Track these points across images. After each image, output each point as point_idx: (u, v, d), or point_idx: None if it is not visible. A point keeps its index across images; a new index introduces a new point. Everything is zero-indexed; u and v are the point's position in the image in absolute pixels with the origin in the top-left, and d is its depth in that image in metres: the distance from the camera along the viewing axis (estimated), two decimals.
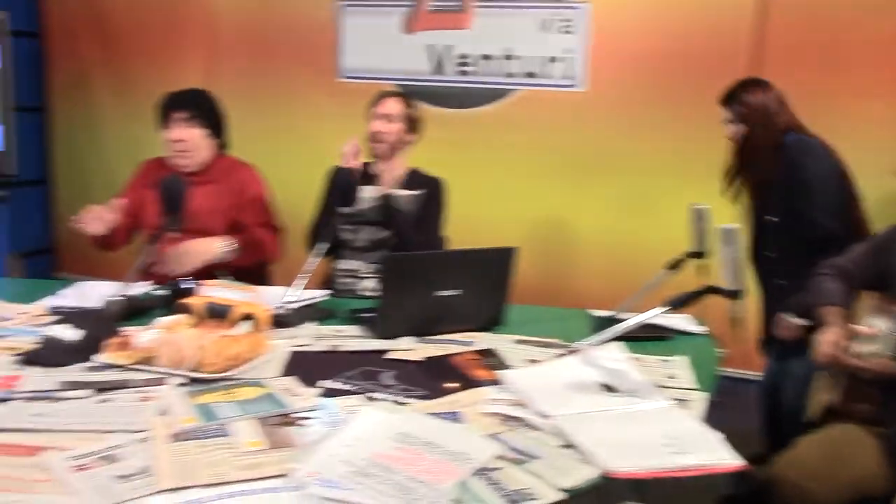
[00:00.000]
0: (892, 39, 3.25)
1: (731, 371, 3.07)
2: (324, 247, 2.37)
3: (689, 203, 2.31)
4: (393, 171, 2.84)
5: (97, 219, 2.53)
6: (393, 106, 2.81)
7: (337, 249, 2.81)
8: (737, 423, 2.31)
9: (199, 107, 2.74)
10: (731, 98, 2.67)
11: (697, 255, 2.29)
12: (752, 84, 2.68)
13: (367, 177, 2.78)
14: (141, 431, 1.45)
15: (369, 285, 2.76)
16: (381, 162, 2.81)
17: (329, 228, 2.44)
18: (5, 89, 4.20)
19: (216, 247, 2.59)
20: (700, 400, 1.74)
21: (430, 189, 2.85)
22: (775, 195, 2.59)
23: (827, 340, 1.99)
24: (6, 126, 4.22)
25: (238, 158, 2.88)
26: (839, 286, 2.13)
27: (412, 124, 2.86)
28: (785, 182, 2.55)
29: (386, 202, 2.68)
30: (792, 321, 2.42)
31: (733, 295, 1.76)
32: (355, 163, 2.67)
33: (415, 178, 2.87)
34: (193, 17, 4.36)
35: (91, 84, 4.66)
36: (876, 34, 3.27)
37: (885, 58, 3.27)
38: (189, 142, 2.69)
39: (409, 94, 3.91)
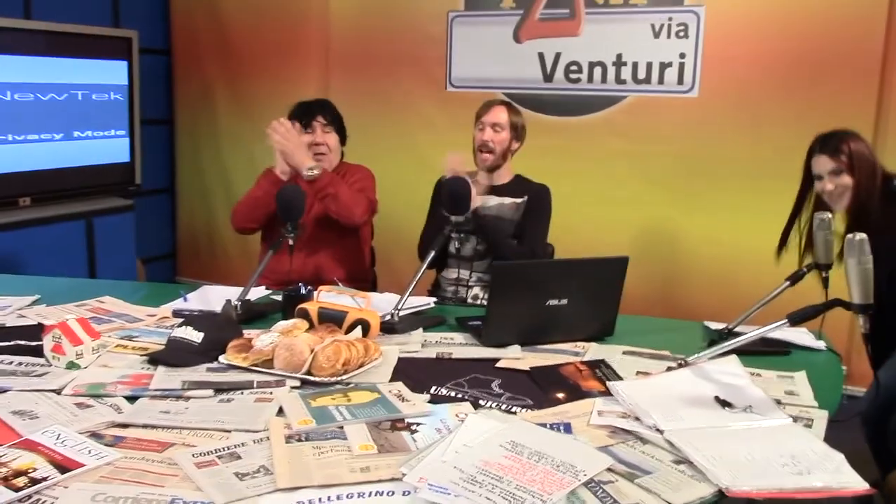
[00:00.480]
0: None
1: (852, 389, 2.90)
2: (433, 256, 2.40)
3: (811, 212, 2.20)
4: (500, 178, 2.85)
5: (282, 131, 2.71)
6: (500, 115, 2.82)
7: (444, 258, 2.84)
8: (859, 444, 2.21)
9: (333, 115, 2.94)
10: (836, 149, 2.42)
11: (821, 266, 2.18)
12: (850, 134, 2.47)
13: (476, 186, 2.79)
14: (260, 431, 1.51)
15: (475, 293, 2.78)
16: (488, 170, 2.82)
17: (439, 238, 2.46)
18: (134, 104, 4.46)
19: (307, 162, 2.71)
20: (821, 418, 1.65)
21: (533, 196, 2.83)
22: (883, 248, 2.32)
23: None
24: (133, 139, 4.49)
25: (356, 164, 3.02)
26: None
27: (518, 132, 2.87)
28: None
29: (475, 215, 2.65)
30: None
31: (862, 310, 1.66)
32: (458, 173, 2.68)
33: (519, 185, 2.87)
34: (310, 34, 4.52)
35: (213, 98, 4.90)
36: None
37: None
38: (327, 145, 2.88)
39: (518, 101, 4.00)
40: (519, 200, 2.81)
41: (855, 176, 2.37)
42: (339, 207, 2.73)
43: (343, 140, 2.97)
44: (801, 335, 2.20)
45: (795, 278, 2.23)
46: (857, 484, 1.38)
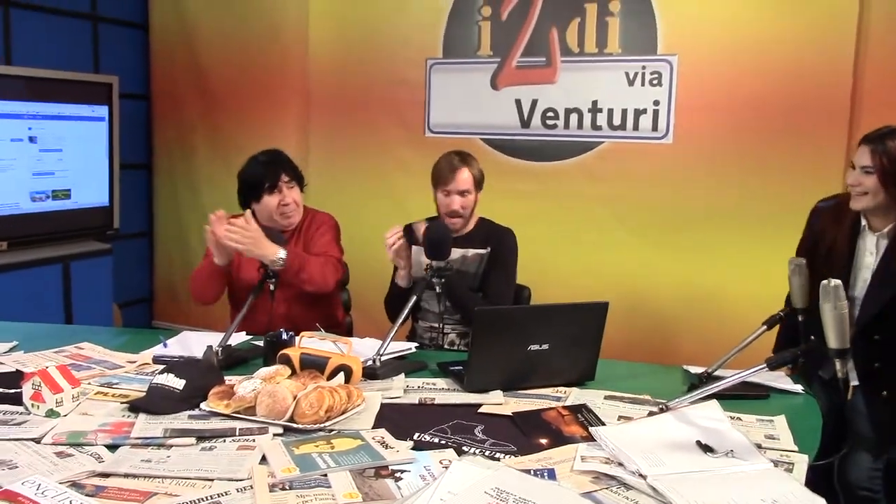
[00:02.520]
0: None
1: None
2: (414, 301, 2.41)
3: (787, 258, 2.25)
4: (464, 228, 2.82)
5: (236, 232, 2.56)
6: (465, 179, 2.74)
7: (416, 307, 2.82)
8: None
9: (293, 168, 2.86)
10: (882, 149, 2.20)
11: (796, 311, 2.22)
12: None
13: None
14: (243, 480, 1.50)
15: (451, 339, 2.78)
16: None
17: (420, 283, 2.48)
18: (113, 148, 4.47)
19: (271, 252, 2.55)
20: (801, 462, 1.68)
21: (495, 246, 2.79)
22: None
23: None
24: (112, 183, 4.48)
25: (317, 210, 2.98)
26: None
27: (480, 184, 2.83)
28: None
29: (433, 277, 2.49)
30: None
31: (838, 354, 1.70)
32: (398, 258, 2.68)
33: (483, 231, 2.84)
34: (289, 79, 4.57)
35: (192, 143, 4.92)
36: None
37: None
38: (295, 202, 2.82)
39: (496, 146, 4.06)
40: (483, 251, 2.77)
41: (886, 187, 2.19)
42: (311, 285, 2.68)
43: (302, 188, 2.90)
44: (778, 378, 2.23)
45: (772, 322, 2.27)
46: None
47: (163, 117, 5.06)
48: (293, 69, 4.56)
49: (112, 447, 1.64)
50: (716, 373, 2.18)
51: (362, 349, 2.31)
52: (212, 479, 1.50)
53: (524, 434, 1.80)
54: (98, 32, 4.71)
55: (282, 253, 2.56)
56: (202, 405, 1.86)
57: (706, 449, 1.68)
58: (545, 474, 1.57)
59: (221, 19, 4.72)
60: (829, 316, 1.68)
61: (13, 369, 2.14)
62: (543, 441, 1.76)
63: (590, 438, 1.76)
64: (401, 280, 2.73)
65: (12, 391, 1.91)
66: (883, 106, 3.30)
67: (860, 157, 2.25)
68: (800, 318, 2.20)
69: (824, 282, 1.68)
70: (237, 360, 2.29)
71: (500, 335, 2.10)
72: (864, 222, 2.31)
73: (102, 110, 4.40)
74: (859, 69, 3.36)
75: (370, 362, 2.18)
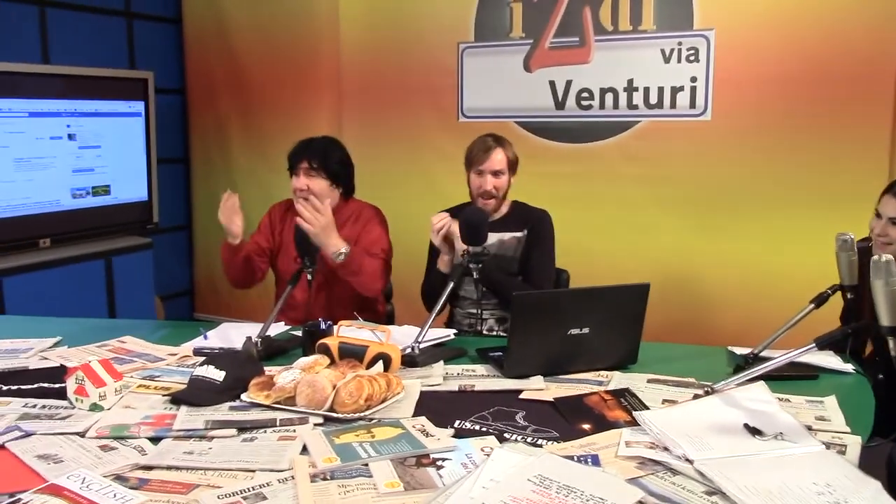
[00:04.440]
0: None
1: None
2: (451, 287, 2.39)
3: (834, 232, 2.18)
4: (498, 213, 2.81)
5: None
6: (499, 160, 2.74)
7: (455, 294, 2.82)
8: None
9: (324, 157, 2.80)
10: None
11: (846, 288, 2.15)
12: None
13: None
14: (284, 470, 1.49)
15: (490, 325, 2.76)
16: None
17: (457, 268, 2.46)
18: (151, 143, 4.52)
19: (335, 244, 2.57)
20: (854, 444, 1.62)
21: (532, 228, 2.78)
22: None
23: None
24: (150, 178, 4.53)
25: (364, 202, 2.95)
26: None
27: (514, 167, 2.81)
28: None
29: (469, 263, 2.43)
30: None
31: (891, 332, 1.63)
32: (444, 244, 2.65)
33: (519, 215, 2.83)
34: (321, 69, 4.57)
35: (228, 135, 4.95)
36: None
37: None
38: (311, 190, 2.75)
39: (530, 129, 4.02)
40: (519, 234, 2.77)
41: None
42: (362, 286, 2.70)
43: (342, 180, 2.85)
44: (828, 358, 2.16)
45: (820, 300, 2.21)
46: None
47: (198, 111, 5.10)
48: (325, 58, 4.56)
49: (155, 440, 1.65)
50: (762, 353, 2.12)
51: (401, 337, 2.30)
52: (253, 470, 1.50)
53: (566, 420, 1.77)
54: (133, 28, 4.75)
55: (345, 248, 2.57)
56: (242, 396, 1.87)
57: (754, 432, 1.64)
58: (589, 460, 1.54)
59: (253, 11, 4.74)
60: (881, 292, 1.62)
61: (57, 364, 2.17)
62: (586, 426, 1.73)
63: (634, 423, 1.73)
64: (443, 266, 2.71)
65: (56, 386, 1.94)
66: None
67: (888, 208, 2.26)
68: (848, 296, 2.13)
69: (874, 257, 1.62)
70: (276, 351, 2.29)
71: (539, 320, 2.07)
72: None
73: (139, 106, 4.45)
74: None
75: (409, 350, 2.17)
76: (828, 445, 1.60)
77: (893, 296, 1.62)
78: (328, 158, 2.81)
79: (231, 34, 4.84)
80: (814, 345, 1.80)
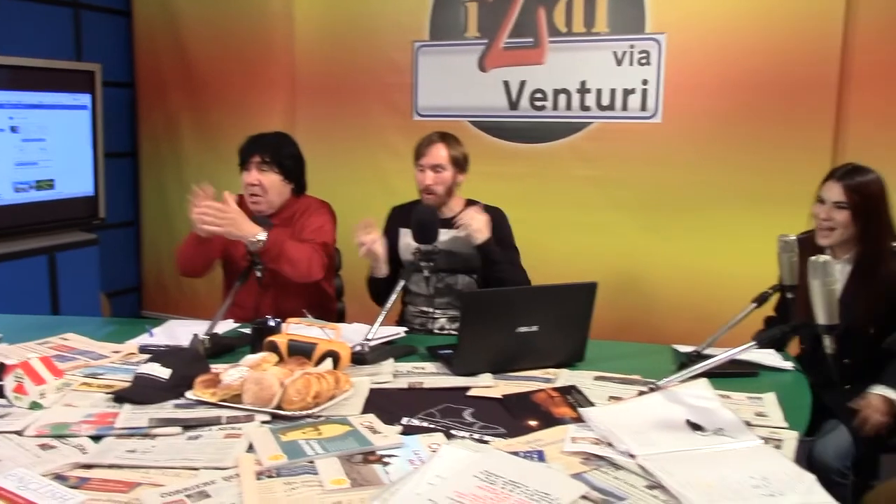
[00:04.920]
0: None
1: None
2: (399, 287, 2.40)
3: (776, 234, 2.23)
4: (450, 211, 2.79)
5: (210, 214, 2.48)
6: (439, 154, 2.73)
7: (406, 294, 2.82)
8: None
9: (276, 152, 2.76)
10: (854, 186, 2.28)
11: (786, 287, 2.21)
12: (875, 180, 2.31)
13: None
14: (229, 468, 1.48)
15: (441, 324, 2.76)
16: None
17: (409, 268, 2.46)
18: (97, 137, 4.42)
19: (249, 232, 2.49)
20: (791, 439, 1.67)
21: (492, 223, 2.73)
22: (876, 308, 2.28)
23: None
24: (97, 172, 4.44)
25: (315, 198, 2.92)
26: None
27: (461, 164, 2.79)
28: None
29: (420, 261, 2.47)
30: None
31: (827, 330, 1.69)
32: (370, 247, 2.58)
33: None
34: (275, 64, 4.53)
35: (178, 130, 4.87)
36: None
37: None
38: (262, 186, 2.72)
39: (484, 129, 4.03)
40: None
41: (857, 221, 2.29)
42: (295, 271, 2.60)
43: (293, 175, 2.81)
44: (768, 356, 2.22)
45: (761, 300, 2.26)
46: None
47: (148, 105, 5.00)
48: (279, 53, 4.52)
49: (96, 438, 1.62)
50: (706, 351, 2.17)
51: (351, 335, 2.30)
52: (197, 468, 1.48)
53: (513, 416, 1.79)
54: (80, 19, 4.65)
55: (262, 235, 2.49)
56: (188, 394, 1.84)
57: (696, 427, 1.68)
58: (534, 456, 1.56)
59: (205, 5, 4.67)
60: (818, 292, 1.67)
61: None
62: (533, 423, 1.75)
63: (579, 420, 1.75)
64: (377, 274, 2.68)
65: None
66: (870, 85, 3.30)
67: (831, 193, 2.33)
68: (789, 296, 2.19)
69: (812, 258, 1.67)
70: (224, 349, 2.27)
71: (489, 318, 2.08)
72: (828, 251, 2.34)
73: (85, 98, 4.35)
74: (847, 48, 3.34)
75: (359, 348, 2.17)
76: (766, 440, 1.64)
77: (830, 295, 1.67)
78: (280, 153, 2.78)
79: (182, 28, 4.76)
80: (753, 343, 1.85)
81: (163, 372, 1.87)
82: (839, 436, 2.16)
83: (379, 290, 2.71)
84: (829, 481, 2.14)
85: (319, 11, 4.40)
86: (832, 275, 1.65)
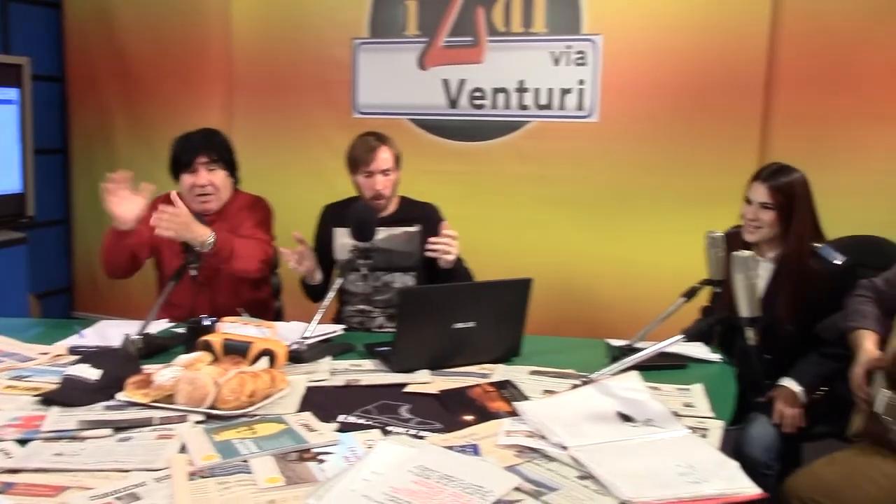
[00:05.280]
0: (892, 64, 3.26)
1: None
2: (336, 286, 2.39)
3: (704, 231, 2.30)
4: (386, 210, 2.79)
5: (127, 200, 2.47)
6: (385, 158, 2.71)
7: (343, 293, 2.81)
8: None
9: (219, 150, 2.74)
10: (778, 187, 2.36)
11: (714, 283, 2.28)
12: (799, 180, 2.38)
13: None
14: (161, 469, 1.46)
15: (380, 322, 2.76)
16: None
17: (346, 265, 2.46)
18: (26, 133, 4.28)
19: (200, 234, 2.45)
20: (716, 428, 1.73)
21: (429, 223, 2.77)
22: (796, 305, 2.37)
23: (857, 372, 1.99)
24: (25, 169, 4.30)
25: (248, 193, 2.90)
26: (873, 310, 2.13)
27: (400, 162, 2.79)
28: (816, 303, 2.34)
29: (358, 259, 2.51)
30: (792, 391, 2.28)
31: (749, 323, 1.75)
32: (301, 267, 2.59)
33: (407, 210, 2.83)
34: (211, 59, 4.45)
35: (111, 126, 4.75)
36: (884, 57, 3.28)
37: (887, 83, 3.27)
38: (213, 185, 2.70)
39: (424, 127, 4.04)
40: (412, 229, 2.76)
41: (782, 220, 2.37)
42: (236, 268, 2.59)
43: (235, 170, 2.80)
44: (697, 348, 2.29)
45: (690, 294, 2.33)
46: (750, 489, 1.44)
47: (79, 100, 4.86)
48: (215, 49, 4.44)
49: (22, 442, 1.58)
50: (637, 345, 2.22)
51: (288, 333, 2.28)
52: (128, 470, 1.46)
53: (450, 412, 1.81)
54: (7, 11, 4.49)
55: (211, 236, 2.46)
56: (119, 395, 1.81)
57: (626, 419, 1.72)
58: (469, 450, 1.59)
59: None
60: (741, 286, 1.73)
61: None
62: (468, 418, 1.77)
63: (514, 413, 1.78)
64: (311, 282, 2.66)
65: None
66: (794, 88, 3.42)
67: (756, 194, 2.40)
68: (716, 290, 2.26)
69: (735, 253, 1.73)
70: (157, 349, 2.23)
71: (425, 314, 2.10)
72: (754, 247, 2.43)
73: (13, 93, 4.20)
74: (773, 52, 3.45)
75: (295, 346, 2.16)
76: (692, 430, 1.70)
77: (752, 289, 1.74)
78: (223, 150, 2.76)
79: (115, 21, 4.64)
80: (681, 336, 1.90)
81: (92, 373, 1.84)
82: (764, 430, 2.25)
83: (315, 291, 2.70)
84: (755, 473, 2.22)
85: (257, 6, 4.34)
86: (754, 269, 1.72)
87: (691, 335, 1.91)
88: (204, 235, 2.46)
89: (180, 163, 2.71)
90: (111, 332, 2.36)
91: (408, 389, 1.96)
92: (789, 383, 2.27)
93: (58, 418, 1.69)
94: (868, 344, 2.03)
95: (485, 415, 1.78)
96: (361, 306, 2.77)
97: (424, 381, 2.01)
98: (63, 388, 1.83)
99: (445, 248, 2.50)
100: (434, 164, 3.86)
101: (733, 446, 2.17)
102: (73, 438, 1.60)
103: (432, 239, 2.52)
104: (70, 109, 4.90)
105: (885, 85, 3.29)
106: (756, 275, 1.73)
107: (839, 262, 2.33)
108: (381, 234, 2.69)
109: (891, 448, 1.90)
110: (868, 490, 1.85)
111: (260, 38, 4.36)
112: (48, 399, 1.78)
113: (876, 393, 1.94)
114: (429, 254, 2.54)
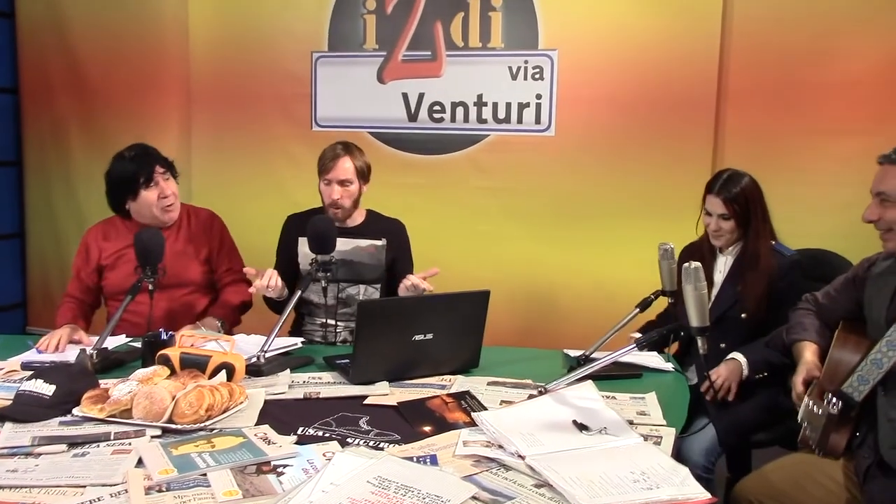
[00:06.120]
0: (837, 82, 3.38)
1: None
2: (295, 298, 2.40)
3: (656, 242, 2.36)
4: (352, 221, 2.82)
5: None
6: (346, 168, 2.71)
7: (302, 306, 2.82)
8: None
9: (165, 159, 2.78)
10: (731, 196, 2.47)
11: (666, 293, 2.33)
12: (747, 185, 2.50)
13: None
14: (118, 484, 1.46)
15: (343, 337, 2.76)
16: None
17: (306, 278, 2.46)
18: None
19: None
20: (669, 435, 1.77)
21: (394, 238, 2.83)
22: (755, 297, 2.47)
23: (796, 381, 2.05)
24: None
25: (200, 207, 2.94)
26: (814, 322, 2.20)
27: (365, 175, 2.80)
28: (776, 293, 2.45)
29: (318, 271, 2.46)
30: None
31: (699, 332, 1.80)
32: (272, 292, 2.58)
33: (374, 224, 2.86)
34: (169, 71, 4.42)
35: (66, 138, 4.67)
36: (833, 72, 3.39)
37: (837, 98, 3.39)
38: (174, 194, 2.75)
39: (383, 140, 4.07)
40: (378, 243, 2.80)
41: (741, 225, 2.50)
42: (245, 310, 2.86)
43: (176, 177, 2.83)
44: (651, 358, 2.34)
45: (644, 305, 2.39)
46: (700, 495, 1.49)
47: (34, 112, 4.78)
48: (173, 61, 4.41)
49: None
50: (593, 355, 2.27)
51: (247, 346, 2.28)
52: (84, 486, 1.46)
53: (409, 423, 1.83)
54: None
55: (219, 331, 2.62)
56: (74, 411, 1.79)
57: (581, 427, 1.75)
58: (427, 460, 1.60)
59: (95, 7, 4.50)
60: (691, 296, 1.78)
61: None
62: (427, 429, 1.79)
63: (472, 424, 1.80)
64: (271, 294, 2.64)
65: None
66: (745, 102, 3.51)
67: (714, 207, 2.52)
68: (669, 301, 2.32)
69: (685, 264, 1.78)
70: (114, 363, 2.21)
71: (385, 326, 2.11)
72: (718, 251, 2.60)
73: None
74: (723, 68, 3.55)
75: (254, 359, 2.16)
76: (646, 437, 1.74)
77: (701, 299, 1.79)
78: (167, 159, 2.80)
79: (70, 31, 4.58)
80: (634, 345, 1.95)
81: (46, 388, 1.82)
82: (705, 434, 2.30)
83: (279, 304, 2.70)
84: (695, 477, 2.28)
85: (215, 18, 4.32)
86: (703, 280, 1.76)
87: (643, 345, 1.95)
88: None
89: (138, 181, 2.69)
90: (66, 347, 2.34)
91: (367, 402, 1.97)
92: (737, 356, 2.38)
93: (11, 434, 1.67)
94: (808, 355, 2.10)
95: (443, 425, 1.80)
96: (324, 319, 2.77)
97: (383, 393, 2.02)
98: (16, 403, 1.81)
99: (422, 285, 2.54)
100: (394, 177, 3.87)
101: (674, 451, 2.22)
102: (28, 455, 1.58)
103: (417, 278, 2.54)
104: (24, 120, 4.82)
105: (834, 99, 3.40)
106: (704, 285, 1.78)
107: (791, 255, 2.49)
108: (346, 245, 2.71)
109: (809, 450, 1.97)
110: (814, 493, 1.91)
111: (218, 50, 4.34)
112: (1, 415, 1.76)
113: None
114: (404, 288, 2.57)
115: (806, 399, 1.98)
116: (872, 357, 1.86)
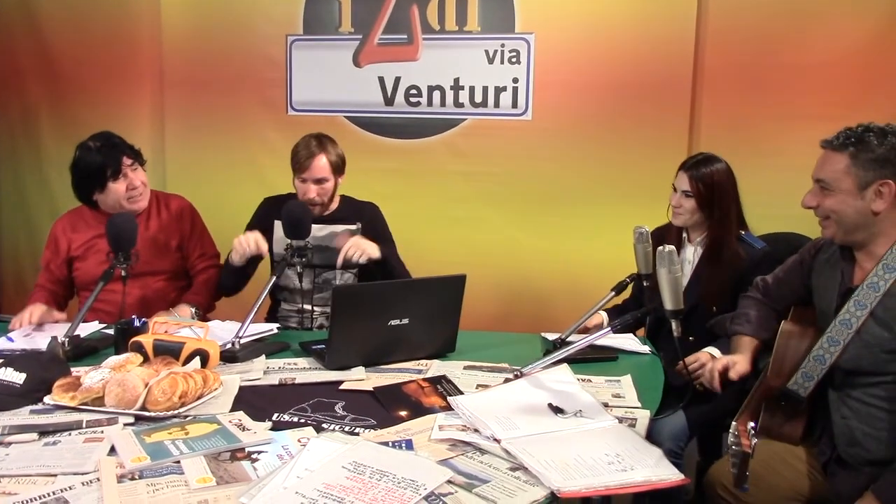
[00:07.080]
0: (813, 65, 3.40)
1: None
2: (270, 283, 2.39)
3: (632, 226, 2.36)
4: (328, 208, 2.81)
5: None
6: (321, 167, 2.69)
7: (278, 291, 2.81)
8: None
9: (132, 149, 2.75)
10: (699, 176, 2.48)
11: (642, 276, 2.34)
12: (719, 169, 2.50)
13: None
14: (89, 473, 1.44)
15: (320, 323, 2.75)
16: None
17: (282, 263, 2.45)
18: None
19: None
20: (644, 417, 1.79)
21: (368, 222, 2.82)
22: (721, 288, 2.47)
23: (715, 367, 2.09)
24: None
25: (170, 193, 2.93)
26: (758, 314, 2.21)
27: (340, 168, 2.78)
28: (746, 285, 2.38)
29: (293, 256, 2.47)
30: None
31: (673, 315, 1.81)
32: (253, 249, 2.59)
33: (348, 209, 2.85)
34: (141, 55, 4.34)
35: (37, 124, 4.59)
36: (806, 56, 3.41)
37: (812, 81, 3.41)
38: (144, 184, 2.73)
39: (360, 124, 4.04)
40: (352, 227, 2.79)
41: (703, 208, 2.48)
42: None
43: (143, 165, 2.80)
44: (627, 341, 2.36)
45: (619, 288, 2.40)
46: (674, 476, 1.50)
47: (3, 98, 4.67)
48: (145, 45, 4.33)
49: None
50: (569, 338, 2.27)
51: (222, 333, 2.27)
52: (55, 475, 1.44)
53: (385, 408, 1.83)
54: None
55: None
56: (46, 399, 1.77)
57: (557, 410, 1.76)
58: (403, 445, 1.60)
59: None
60: (665, 279, 1.78)
61: None
62: (403, 413, 1.79)
63: (448, 408, 1.80)
64: (235, 257, 2.62)
65: None
66: (720, 88, 3.53)
67: (680, 183, 2.53)
68: (645, 284, 2.32)
69: (660, 248, 1.78)
70: (86, 351, 2.19)
71: (360, 311, 2.10)
72: (684, 234, 2.60)
73: None
74: (699, 52, 3.56)
75: (229, 345, 2.14)
76: (621, 420, 1.75)
77: (675, 282, 1.79)
78: (133, 148, 2.77)
79: (40, 16, 4.48)
80: (609, 329, 1.96)
81: (16, 377, 1.80)
82: (674, 418, 2.32)
83: (234, 278, 2.70)
84: None
85: (188, 1, 4.27)
86: (677, 263, 1.77)
87: (616, 327, 1.96)
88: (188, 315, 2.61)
89: (105, 173, 2.65)
90: (39, 335, 2.31)
91: (343, 387, 1.96)
92: (712, 350, 2.35)
93: None
94: (741, 353, 2.12)
95: (419, 410, 1.80)
96: (300, 305, 2.76)
97: (359, 378, 2.02)
98: None
99: (352, 253, 2.55)
100: (370, 162, 3.85)
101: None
102: None
103: (340, 256, 2.57)
104: None
105: (809, 83, 3.42)
106: (678, 269, 1.79)
107: (763, 247, 2.48)
108: (322, 231, 2.71)
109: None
110: (785, 474, 1.93)
111: (191, 33, 4.27)
112: None
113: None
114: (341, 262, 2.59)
115: (734, 424, 1.91)
116: (815, 353, 1.88)
